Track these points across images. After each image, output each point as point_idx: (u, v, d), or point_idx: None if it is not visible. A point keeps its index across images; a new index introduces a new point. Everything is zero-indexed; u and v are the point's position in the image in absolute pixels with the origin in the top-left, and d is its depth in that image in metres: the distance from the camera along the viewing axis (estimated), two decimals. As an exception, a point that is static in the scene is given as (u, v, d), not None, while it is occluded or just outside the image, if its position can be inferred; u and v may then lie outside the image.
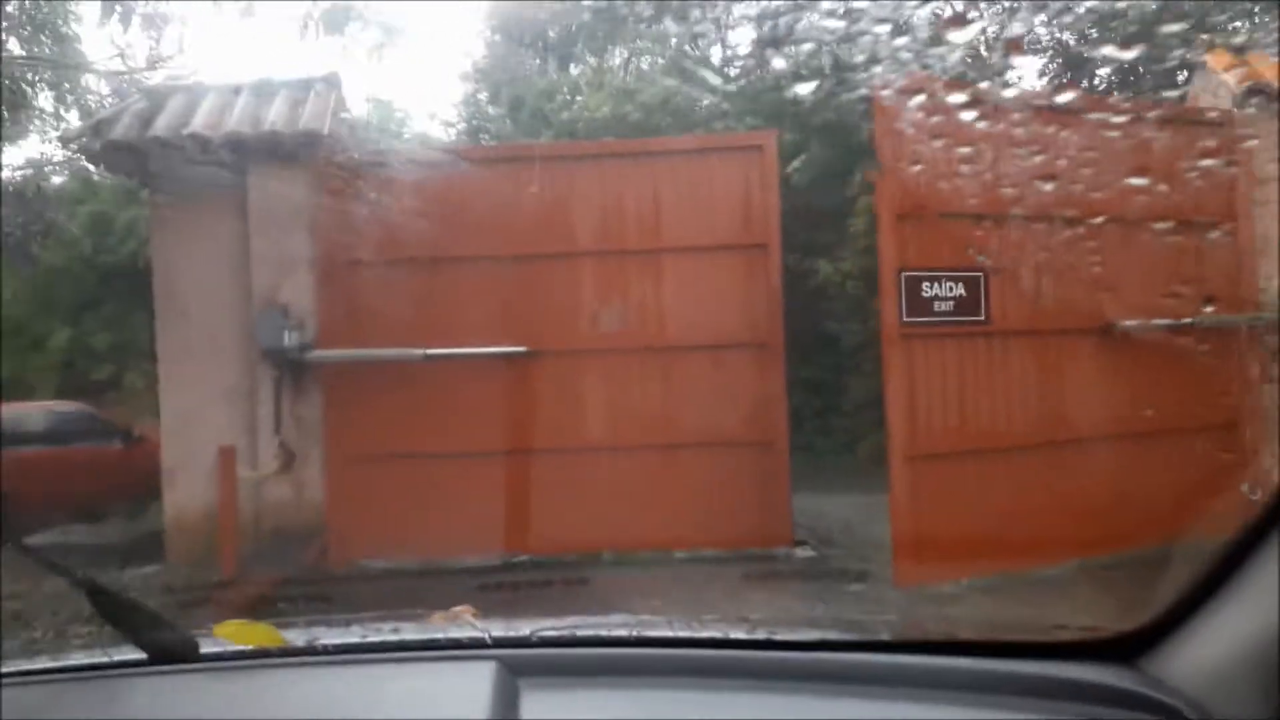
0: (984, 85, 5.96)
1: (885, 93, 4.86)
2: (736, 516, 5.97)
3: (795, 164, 10.53)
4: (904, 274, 5.18)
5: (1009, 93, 5.68)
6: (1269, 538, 1.03)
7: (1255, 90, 5.58)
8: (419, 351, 5.87)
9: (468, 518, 5.70)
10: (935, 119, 4.83)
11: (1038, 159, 4.92)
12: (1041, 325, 5.42)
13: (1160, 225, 5.07)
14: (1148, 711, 1.07)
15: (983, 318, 5.32)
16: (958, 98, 4.87)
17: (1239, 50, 5.72)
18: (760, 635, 1.22)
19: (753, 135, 7.98)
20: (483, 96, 13.86)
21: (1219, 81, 5.74)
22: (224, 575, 5.41)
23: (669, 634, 1.28)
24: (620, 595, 4.95)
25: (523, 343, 6.01)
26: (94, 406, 9.49)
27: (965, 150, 4.91)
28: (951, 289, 5.24)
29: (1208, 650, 1.08)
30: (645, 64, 13.16)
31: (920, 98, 4.76)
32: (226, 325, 6.19)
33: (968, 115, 4.78)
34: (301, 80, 6.68)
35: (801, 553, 6.09)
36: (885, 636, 1.33)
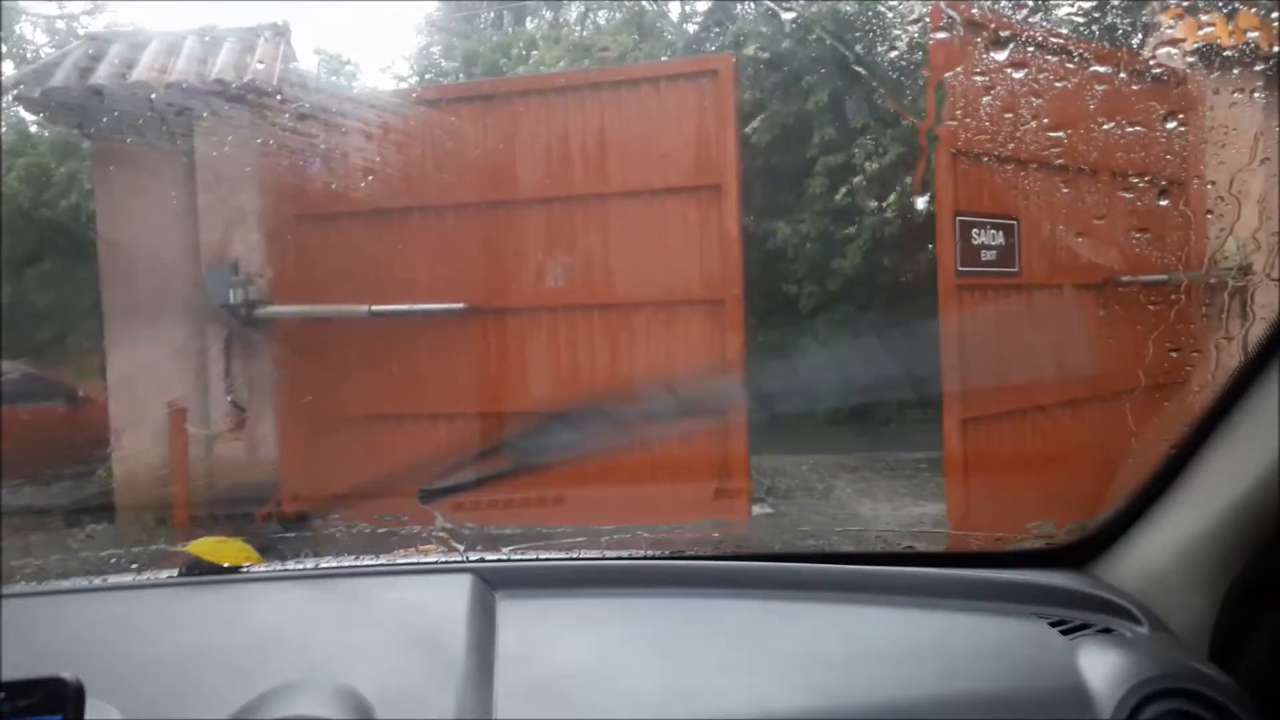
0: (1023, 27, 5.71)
1: (940, 35, 4.73)
2: (692, 489, 5.64)
3: (754, 123, 10.52)
4: (959, 218, 4.93)
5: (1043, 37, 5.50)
6: (1200, 451, 1.09)
7: (1210, 50, 5.65)
8: (364, 308, 5.70)
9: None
10: (986, 59, 4.67)
11: (1057, 106, 4.82)
12: (1058, 278, 5.29)
13: (1138, 180, 5.05)
14: (1095, 610, 1.13)
15: (1016, 269, 5.14)
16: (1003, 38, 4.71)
17: (1195, 10, 5.79)
18: (728, 549, 1.26)
19: (707, 59, 7.04)
20: (436, 50, 13.61)
21: (1173, 40, 5.81)
22: (174, 540, 5.35)
23: (639, 549, 1.31)
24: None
25: (468, 298, 5.71)
26: (36, 366, 9.24)
27: (1007, 92, 4.75)
28: (994, 237, 5.03)
29: (1151, 554, 1.14)
30: (602, 19, 13.01)
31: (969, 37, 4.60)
32: (174, 282, 6.05)
33: (1008, 57, 4.65)
34: (249, 29, 6.49)
35: (758, 509, 6.17)
36: (849, 549, 1.37)
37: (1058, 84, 4.91)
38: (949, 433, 4.92)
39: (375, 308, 5.71)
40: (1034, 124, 4.79)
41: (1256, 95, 4.87)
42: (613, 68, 8.69)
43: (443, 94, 7.29)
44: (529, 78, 9.08)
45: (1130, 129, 4.73)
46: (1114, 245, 5.15)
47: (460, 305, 5.71)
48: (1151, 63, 5.41)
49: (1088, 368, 5.18)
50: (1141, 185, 4.78)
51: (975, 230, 5.01)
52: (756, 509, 6.13)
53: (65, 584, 1.25)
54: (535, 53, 11.31)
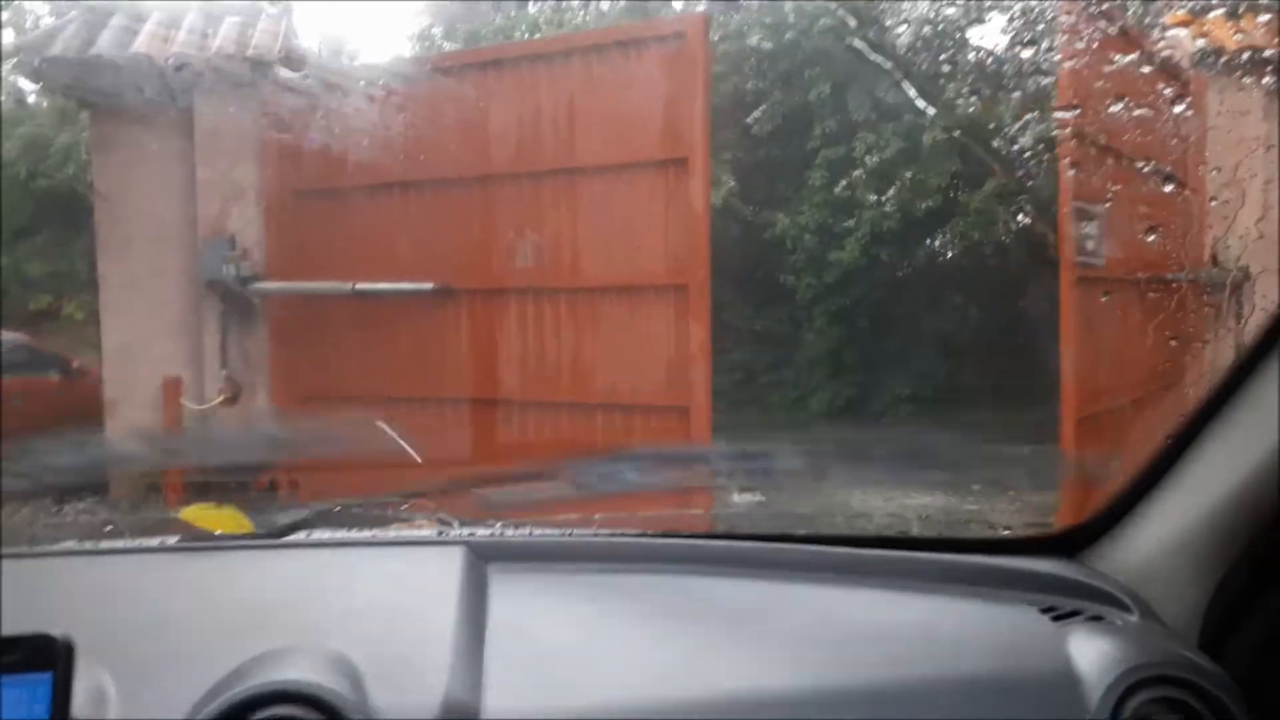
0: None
1: (1066, 16, 4.65)
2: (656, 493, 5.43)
3: (756, 114, 10.51)
4: (1075, 205, 4.75)
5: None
6: (1198, 442, 1.09)
7: (1210, 53, 5.66)
8: (348, 285, 5.58)
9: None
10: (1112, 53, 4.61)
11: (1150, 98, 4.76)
12: (1117, 272, 5.07)
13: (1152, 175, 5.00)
14: (1086, 598, 1.13)
15: (1103, 262, 4.93)
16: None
17: (1196, 11, 5.79)
18: (721, 528, 1.26)
19: (675, 20, 6.48)
20: (437, 31, 13.53)
21: (1176, 41, 5.81)
22: (166, 508, 5.35)
23: (632, 527, 1.32)
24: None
25: (439, 278, 5.45)
26: (30, 337, 9.22)
27: (1125, 82, 4.68)
28: (1093, 229, 4.87)
29: (1144, 543, 1.15)
30: (605, 4, 12.95)
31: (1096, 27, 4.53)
32: (171, 255, 6.04)
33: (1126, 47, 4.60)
34: (252, 4, 6.47)
35: (745, 497, 6.13)
36: (845, 532, 1.37)
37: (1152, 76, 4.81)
38: (1066, 430, 4.70)
39: (359, 285, 5.59)
40: (1128, 113, 4.69)
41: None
42: (571, 34, 8.25)
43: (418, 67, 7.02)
44: (483, 49, 8.77)
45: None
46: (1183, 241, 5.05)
47: (429, 285, 5.48)
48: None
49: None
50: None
51: (1082, 222, 4.84)
52: (746, 497, 6.12)
53: (57, 547, 1.25)
54: (538, 35, 11.26)
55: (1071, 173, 4.73)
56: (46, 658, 0.87)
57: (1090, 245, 4.97)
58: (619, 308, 5.19)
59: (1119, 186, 4.93)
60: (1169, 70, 5.52)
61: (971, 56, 10.79)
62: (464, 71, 5.79)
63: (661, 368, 5.03)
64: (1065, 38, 4.93)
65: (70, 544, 1.24)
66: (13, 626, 0.88)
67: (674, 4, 12.40)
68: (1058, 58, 5.08)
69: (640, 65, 5.16)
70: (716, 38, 11.05)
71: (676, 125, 4.98)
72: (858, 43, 9.82)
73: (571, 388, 5.24)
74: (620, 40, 5.49)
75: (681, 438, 4.95)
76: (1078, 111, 4.70)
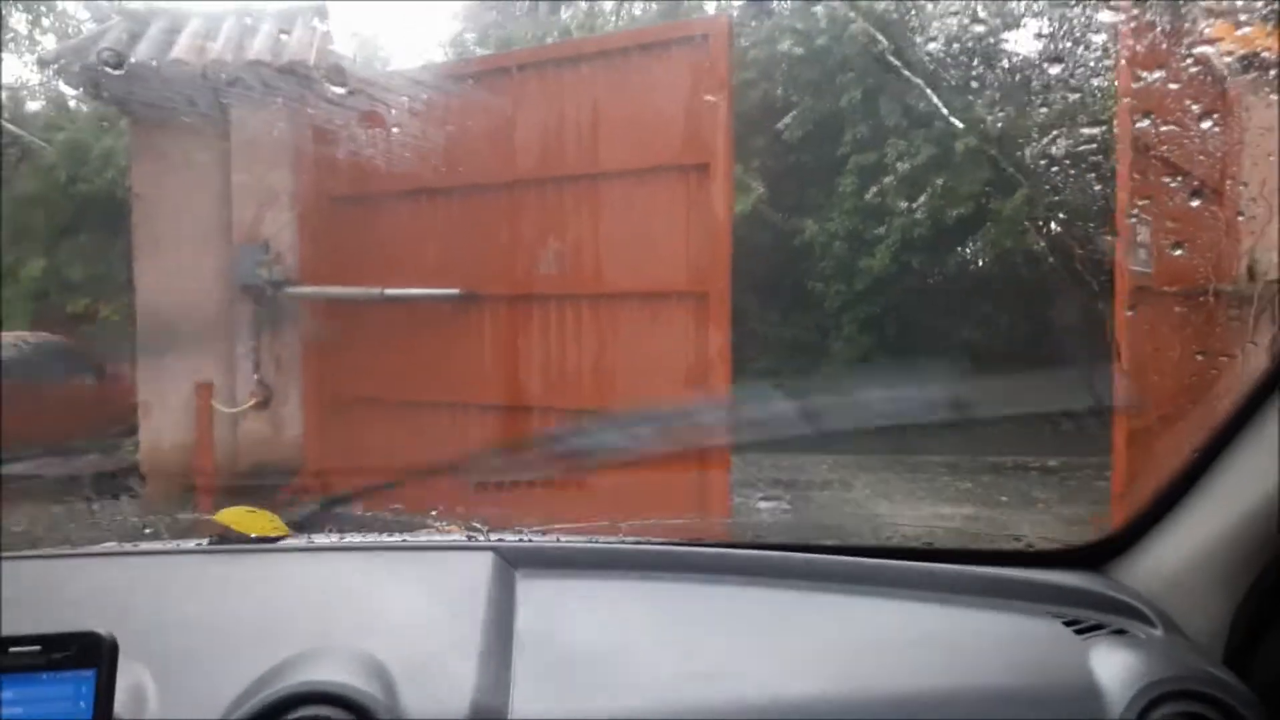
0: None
1: (1115, 14, 4.57)
2: (671, 505, 4.71)
3: (786, 120, 10.50)
4: (1132, 218, 4.60)
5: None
6: (1224, 456, 1.09)
7: (1249, 60, 5.57)
8: (378, 290, 5.61)
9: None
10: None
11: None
12: (1158, 283, 4.86)
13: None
14: (1110, 612, 1.13)
15: (1151, 272, 4.78)
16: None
17: (1233, 19, 5.70)
18: (746, 536, 1.27)
19: (698, 23, 6.14)
20: (470, 36, 13.65)
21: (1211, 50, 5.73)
22: (200, 510, 5.43)
23: (657, 536, 1.33)
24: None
25: (469, 283, 5.42)
26: (68, 339, 9.38)
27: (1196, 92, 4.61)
28: (1146, 238, 4.69)
29: (1168, 557, 1.15)
30: (638, 9, 12.99)
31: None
32: (206, 259, 6.12)
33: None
34: (288, 10, 6.56)
35: (766, 504, 6.07)
36: (869, 542, 1.38)
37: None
38: (1119, 443, 4.53)
39: (388, 291, 5.63)
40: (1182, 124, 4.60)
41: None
42: (594, 37, 8.24)
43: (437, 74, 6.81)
44: (505, 54, 8.69)
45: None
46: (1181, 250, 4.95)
47: (455, 291, 5.48)
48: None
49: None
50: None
51: (1138, 229, 4.67)
52: (772, 504, 6.10)
53: (98, 548, 1.28)
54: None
55: (1135, 179, 4.63)
56: (92, 655, 0.89)
57: (1142, 256, 4.89)
58: (640, 315, 5.11)
59: (1162, 197, 4.85)
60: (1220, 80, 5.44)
61: (1005, 64, 10.71)
62: (489, 77, 5.81)
63: (681, 376, 4.93)
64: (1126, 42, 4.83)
65: (109, 545, 1.28)
66: (53, 626, 0.90)
67: (707, 7, 12.42)
68: (1120, 62, 4.95)
69: (663, 69, 5.07)
70: (747, 43, 11.07)
71: (699, 129, 4.87)
72: (889, 49, 9.77)
73: (594, 395, 5.16)
74: (643, 43, 5.39)
75: (701, 451, 4.58)
76: (1148, 120, 4.62)
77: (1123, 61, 4.75)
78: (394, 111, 5.81)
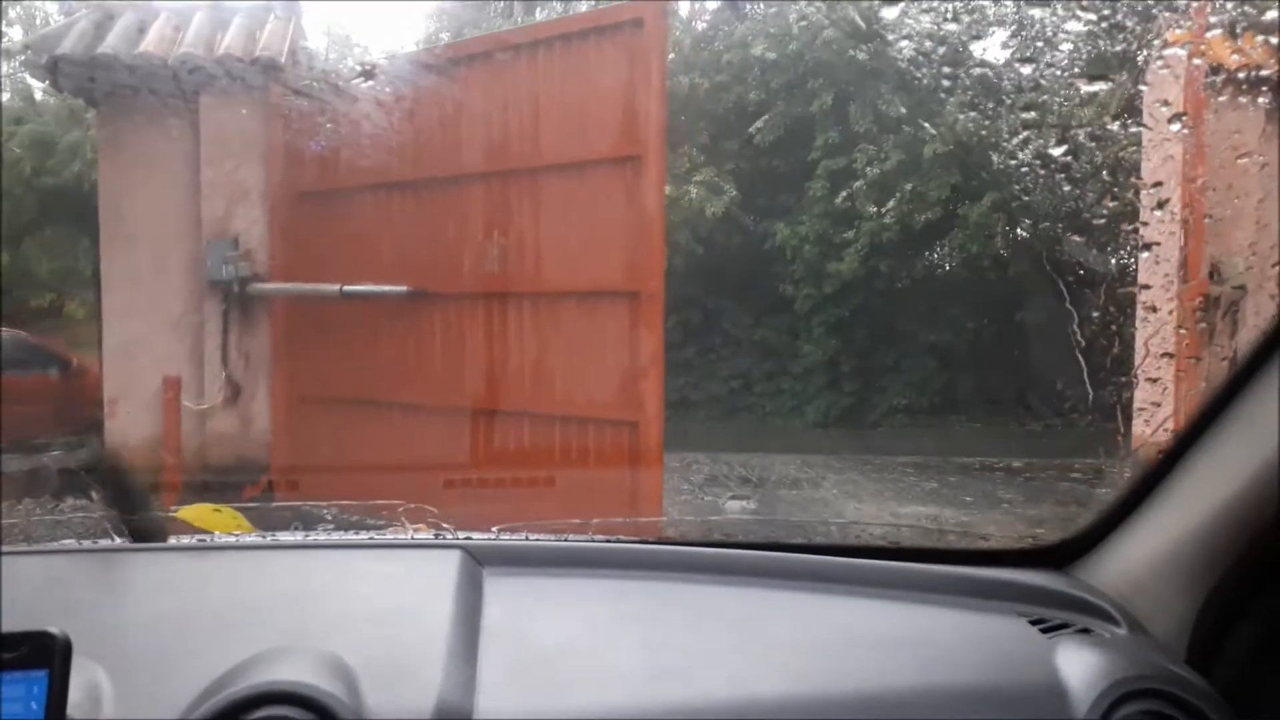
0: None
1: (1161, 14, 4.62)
2: (606, 508, 4.72)
3: (758, 124, 10.54)
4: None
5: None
6: (1189, 457, 1.10)
7: (1214, 72, 5.66)
8: (335, 287, 5.54)
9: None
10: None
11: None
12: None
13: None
14: (1075, 611, 1.14)
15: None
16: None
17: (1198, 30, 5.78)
18: (715, 535, 1.27)
19: (631, 6, 5.67)
20: (445, 36, 13.59)
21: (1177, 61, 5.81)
22: (165, 507, 5.35)
23: (626, 534, 1.33)
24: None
25: (419, 279, 5.34)
26: (32, 334, 9.23)
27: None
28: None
29: (1133, 557, 1.16)
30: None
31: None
32: (175, 254, 6.05)
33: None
34: (260, 5, 6.49)
35: (735, 504, 6.09)
36: (835, 541, 1.38)
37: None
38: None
39: (346, 287, 5.55)
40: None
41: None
42: (528, 26, 8.06)
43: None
44: (439, 48, 8.64)
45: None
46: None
47: (404, 289, 5.42)
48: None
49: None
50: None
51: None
52: (740, 504, 6.13)
53: (55, 544, 1.26)
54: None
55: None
56: (43, 655, 0.87)
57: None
58: (577, 315, 4.94)
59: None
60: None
61: (976, 71, 10.82)
62: (436, 70, 5.66)
63: (614, 380, 4.74)
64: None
65: (68, 542, 1.25)
66: (10, 624, 0.88)
67: (678, 13, 12.43)
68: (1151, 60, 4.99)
69: (597, 57, 4.84)
70: (721, 47, 11.10)
71: (632, 120, 4.64)
72: (860, 55, 9.84)
73: (532, 397, 5.03)
74: (575, 31, 5.09)
75: (631, 453, 4.65)
76: (1175, 126, 4.65)
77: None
78: (352, 106, 5.76)
